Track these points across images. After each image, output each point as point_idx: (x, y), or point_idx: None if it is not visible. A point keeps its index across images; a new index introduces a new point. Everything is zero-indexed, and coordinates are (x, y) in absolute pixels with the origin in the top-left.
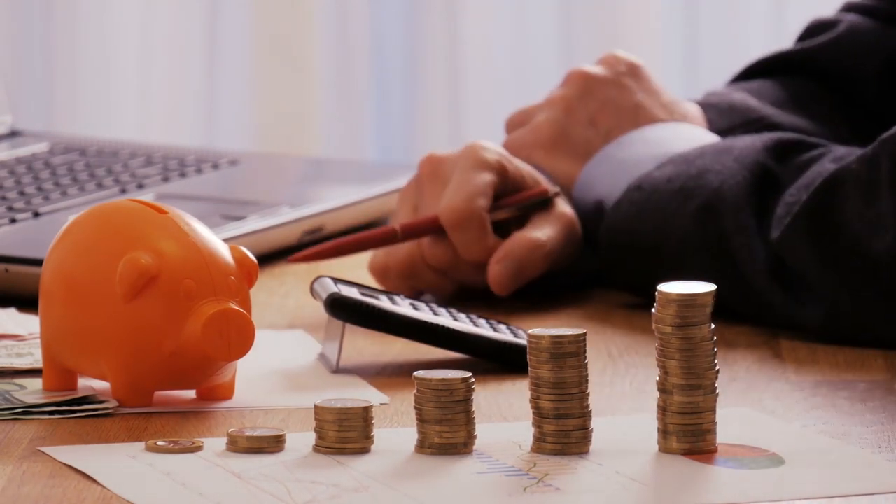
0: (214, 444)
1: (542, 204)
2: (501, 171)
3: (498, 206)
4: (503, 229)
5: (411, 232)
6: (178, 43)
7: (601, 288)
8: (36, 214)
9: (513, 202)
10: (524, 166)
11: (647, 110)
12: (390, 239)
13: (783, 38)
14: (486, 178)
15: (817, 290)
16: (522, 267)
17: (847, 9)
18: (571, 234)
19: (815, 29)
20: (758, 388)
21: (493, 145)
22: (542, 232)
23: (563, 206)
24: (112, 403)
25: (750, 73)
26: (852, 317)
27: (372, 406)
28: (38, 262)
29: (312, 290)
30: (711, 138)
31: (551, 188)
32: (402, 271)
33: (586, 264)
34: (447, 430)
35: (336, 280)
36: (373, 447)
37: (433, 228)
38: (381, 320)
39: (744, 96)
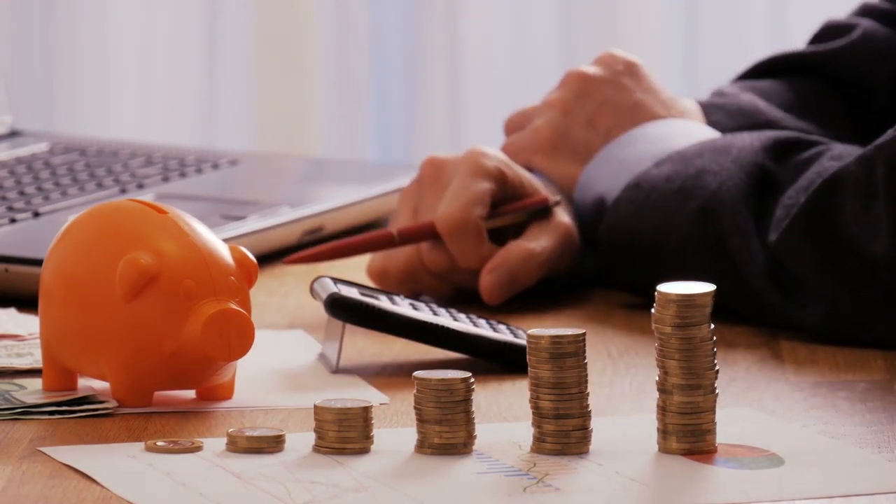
0: (214, 444)
1: (541, 212)
2: (501, 178)
3: (496, 213)
4: (502, 236)
5: (409, 237)
6: (178, 43)
7: (601, 288)
8: (36, 214)
9: (511, 210)
10: (524, 173)
11: (647, 108)
12: (388, 243)
13: (783, 38)
14: (484, 186)
15: (817, 290)
16: (514, 277)
17: (862, 12)
18: (567, 243)
19: (830, 31)
20: (758, 388)
21: (494, 151)
22: (536, 242)
23: (562, 216)
24: (112, 403)
25: (758, 71)
26: (852, 317)
27: (372, 406)
28: (38, 262)
29: (312, 290)
30: (711, 134)
31: (551, 197)
32: (401, 275)
33: (587, 264)
34: (447, 430)
35: (336, 280)
36: (373, 447)
37: (430, 234)
38: (381, 320)
39: (752, 98)
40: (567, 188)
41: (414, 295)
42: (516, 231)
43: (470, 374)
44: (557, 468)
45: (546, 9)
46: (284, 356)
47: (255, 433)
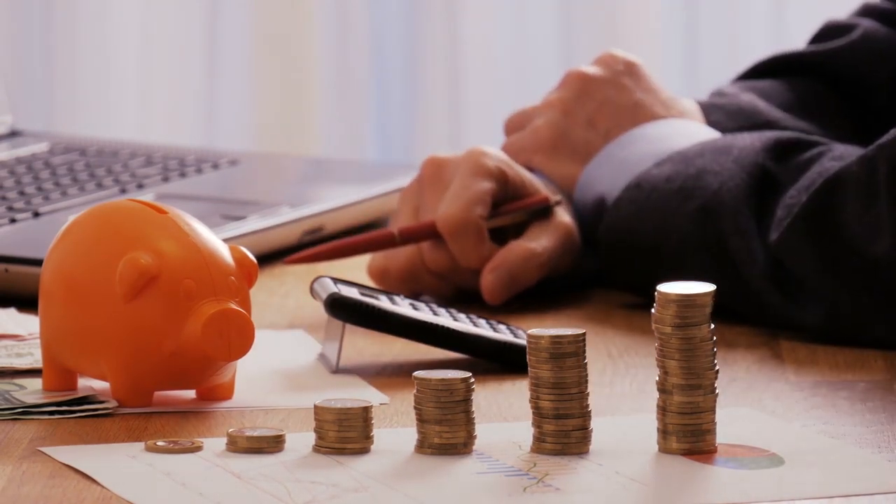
0: (214, 444)
1: (542, 212)
2: (502, 177)
3: (497, 213)
4: (502, 236)
5: (410, 236)
6: (178, 43)
7: (601, 288)
8: (36, 214)
9: (512, 210)
10: (525, 172)
11: (647, 108)
12: (389, 242)
13: (783, 38)
14: (485, 185)
15: (817, 290)
16: (515, 277)
17: (863, 12)
18: (568, 243)
19: (830, 31)
20: (758, 388)
21: (495, 151)
22: (537, 242)
23: (563, 216)
24: (112, 403)
25: (758, 71)
26: (852, 317)
27: (372, 406)
28: (38, 262)
29: (312, 290)
30: (711, 134)
31: (552, 197)
32: (402, 275)
33: (587, 264)
34: (447, 430)
35: (336, 280)
36: (373, 447)
37: (431, 234)
38: (381, 320)
39: (752, 98)
40: (567, 188)
41: (414, 295)
42: (517, 231)
43: (470, 374)
44: (557, 468)
45: (546, 9)
46: (284, 356)
47: (255, 433)
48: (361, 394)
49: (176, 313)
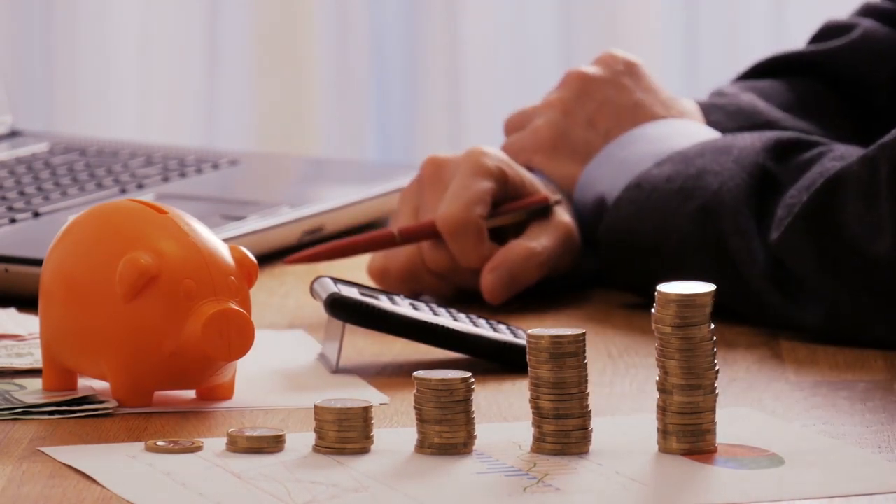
0: (214, 444)
1: (542, 211)
2: (501, 177)
3: (497, 212)
4: (502, 235)
5: (410, 236)
6: (178, 43)
7: (601, 288)
8: (36, 214)
9: (512, 209)
10: (525, 172)
11: (647, 108)
12: (389, 242)
13: (783, 38)
14: (485, 185)
15: (817, 290)
16: (515, 276)
17: (864, 12)
18: (568, 242)
19: (830, 31)
20: (758, 388)
21: (495, 150)
22: (537, 241)
23: (563, 215)
24: (112, 403)
25: (758, 72)
26: (852, 317)
27: (372, 406)
28: (38, 262)
29: (312, 290)
30: (711, 134)
31: (552, 196)
32: (402, 275)
33: (587, 264)
34: (447, 430)
35: (336, 280)
36: (373, 447)
37: (431, 233)
38: (381, 320)
39: (752, 98)
40: (567, 188)
41: (414, 295)
42: (517, 230)
43: (470, 374)
44: (557, 468)
45: (546, 9)
46: (284, 356)
47: (255, 433)
48: (361, 394)
49: (176, 313)
